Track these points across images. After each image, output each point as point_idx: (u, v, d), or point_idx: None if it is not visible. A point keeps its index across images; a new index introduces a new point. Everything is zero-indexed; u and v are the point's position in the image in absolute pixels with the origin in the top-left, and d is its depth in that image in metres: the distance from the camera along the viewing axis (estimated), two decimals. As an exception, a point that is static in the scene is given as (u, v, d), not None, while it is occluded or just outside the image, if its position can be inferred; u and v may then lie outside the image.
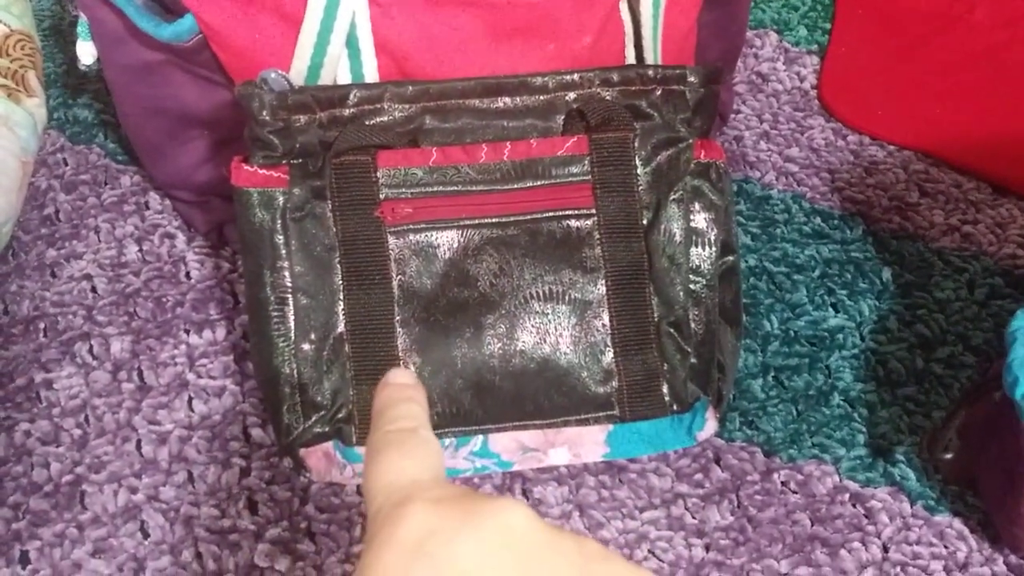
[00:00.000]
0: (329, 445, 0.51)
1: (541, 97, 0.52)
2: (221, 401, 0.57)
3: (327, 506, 0.54)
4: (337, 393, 0.50)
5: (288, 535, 0.52)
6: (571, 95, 0.52)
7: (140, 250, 0.64)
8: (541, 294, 0.51)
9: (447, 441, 0.51)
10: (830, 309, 0.64)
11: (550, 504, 0.54)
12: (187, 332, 0.60)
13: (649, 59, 0.56)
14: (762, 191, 0.71)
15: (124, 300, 0.61)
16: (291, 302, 0.50)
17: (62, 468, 0.54)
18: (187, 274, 0.63)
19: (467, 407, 0.51)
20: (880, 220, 0.69)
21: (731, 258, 0.55)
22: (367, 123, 0.50)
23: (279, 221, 0.50)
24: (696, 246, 0.53)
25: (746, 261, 0.66)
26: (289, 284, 0.50)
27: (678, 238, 0.53)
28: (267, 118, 0.48)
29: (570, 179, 0.52)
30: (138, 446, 0.55)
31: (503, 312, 0.51)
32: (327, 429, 0.50)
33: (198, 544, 0.52)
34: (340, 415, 0.50)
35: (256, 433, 0.56)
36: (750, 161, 0.72)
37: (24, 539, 0.51)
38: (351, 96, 0.49)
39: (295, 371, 0.50)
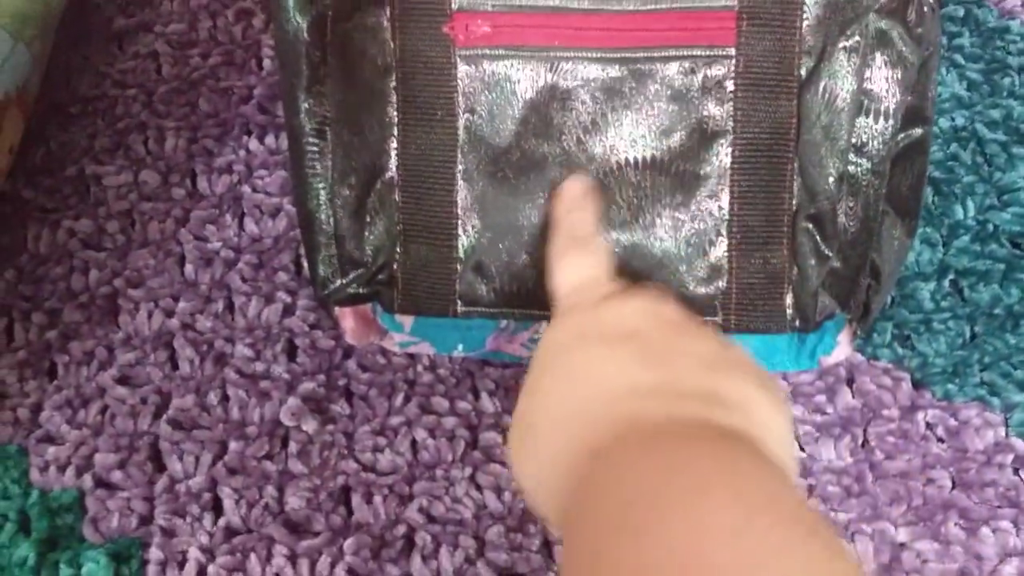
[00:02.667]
0: (367, 307, 0.43)
1: None
2: (275, 223, 0.50)
3: (371, 365, 0.47)
4: (379, 250, 0.41)
5: (323, 392, 0.46)
6: None
7: (213, 27, 0.56)
8: (640, 160, 0.39)
9: (503, 323, 0.42)
10: (1053, 201, 0.48)
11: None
12: (248, 135, 0.52)
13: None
14: (998, 20, 0.53)
15: (187, 87, 0.54)
16: (330, 136, 0.40)
17: (100, 277, 0.49)
18: (259, 63, 0.54)
19: (531, 287, 0.41)
20: None
21: (919, 131, 0.40)
22: None
23: (318, 31, 0.39)
24: (866, 115, 0.39)
25: (951, 118, 0.50)
26: (329, 113, 0.40)
27: (841, 102, 0.38)
28: None
29: (708, 4, 0.38)
30: (181, 263, 0.50)
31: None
32: (366, 290, 0.42)
33: (226, 386, 0.46)
34: (381, 276, 0.41)
35: (307, 266, 0.49)
36: (992, -25, 0.54)
37: (54, 350, 0.48)
38: None
39: (332, 219, 0.41)
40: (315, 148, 0.40)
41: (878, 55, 0.38)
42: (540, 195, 0.40)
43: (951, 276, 0.47)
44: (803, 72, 0.38)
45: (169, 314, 0.48)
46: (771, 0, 0.38)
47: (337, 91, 0.39)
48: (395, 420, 0.45)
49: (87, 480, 0.45)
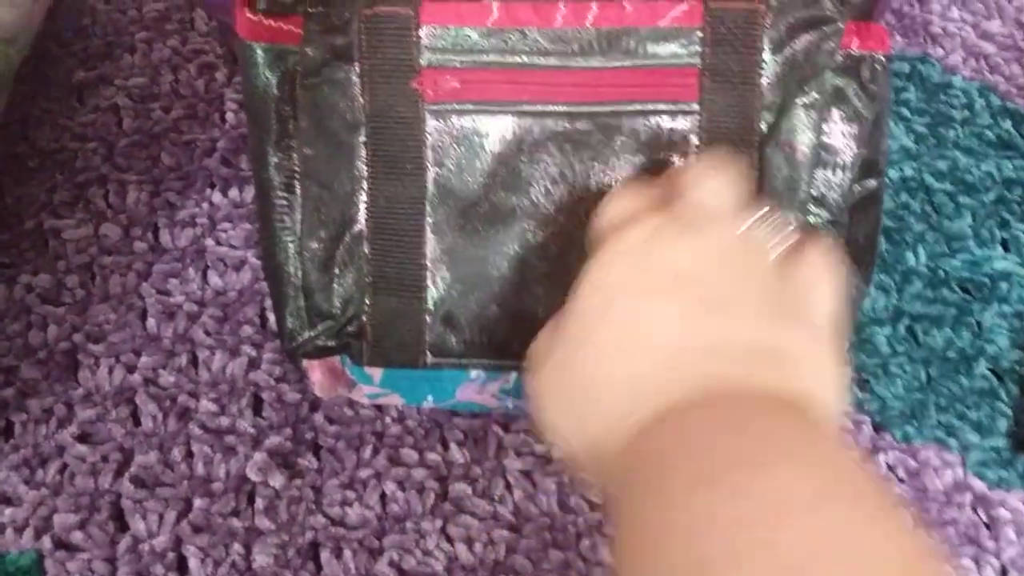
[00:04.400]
0: (336, 360, 0.43)
1: None
2: (239, 276, 0.50)
3: (339, 417, 0.46)
4: (348, 302, 0.41)
5: (290, 445, 0.46)
6: None
7: (175, 80, 0.56)
8: None
9: (474, 374, 0.42)
10: (998, 248, 0.50)
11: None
12: (212, 187, 0.52)
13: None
14: (941, 76, 0.55)
15: (149, 141, 0.54)
16: (299, 189, 0.40)
17: (59, 332, 0.48)
18: (222, 116, 0.54)
19: (501, 337, 0.41)
20: (1093, 133, 0.53)
21: (873, 182, 0.41)
22: None
23: (287, 87, 0.39)
24: (825, 168, 0.40)
25: (900, 169, 0.52)
26: (298, 167, 0.40)
27: (801, 156, 0.40)
28: None
29: (671, 61, 0.39)
30: (143, 317, 0.49)
31: (557, 229, 0.40)
32: (334, 343, 0.42)
33: (191, 442, 0.46)
34: (350, 328, 0.41)
35: (273, 319, 0.49)
36: (933, 33, 0.56)
37: (11, 408, 0.47)
38: None
39: (300, 271, 0.41)
40: (284, 202, 0.40)
41: (835, 110, 0.40)
42: (509, 246, 0.40)
43: (906, 321, 0.48)
44: (764, 127, 0.40)
45: (131, 369, 0.48)
46: (732, 58, 0.39)
47: (306, 145, 0.40)
48: (364, 473, 0.45)
49: (46, 541, 0.43)
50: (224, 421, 0.46)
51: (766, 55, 0.39)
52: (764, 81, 0.39)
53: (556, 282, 0.40)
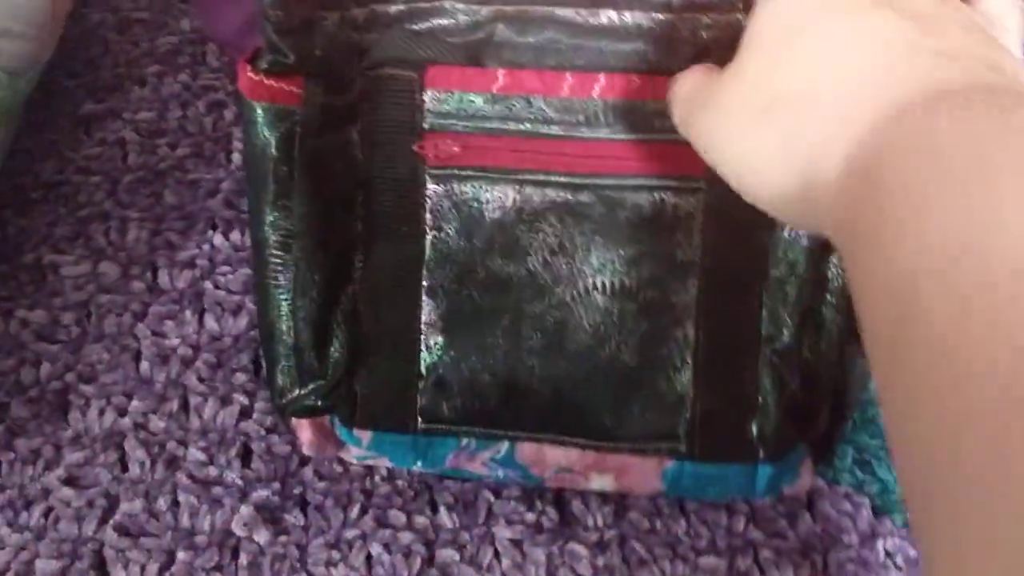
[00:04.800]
0: (325, 419, 0.42)
1: (661, 16, 0.37)
2: (236, 321, 0.49)
3: (328, 473, 0.46)
4: (339, 363, 0.40)
5: (277, 500, 0.45)
6: (705, 19, 0.37)
7: (183, 116, 0.55)
8: (607, 286, 0.39)
9: (464, 441, 0.41)
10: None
11: (588, 526, 0.44)
12: (214, 229, 0.52)
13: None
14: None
15: (153, 178, 0.53)
16: (294, 249, 0.40)
17: (52, 371, 0.48)
18: (228, 157, 0.54)
19: (493, 405, 0.40)
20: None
21: None
22: (417, 27, 0.38)
23: (287, 146, 0.39)
24: (830, 252, 0.39)
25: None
26: (293, 226, 0.39)
27: (807, 240, 0.39)
28: (278, 14, 0.36)
29: (679, 137, 0.38)
30: (136, 359, 0.48)
31: (554, 301, 0.39)
32: (324, 403, 0.41)
33: (177, 492, 0.45)
34: (340, 389, 0.41)
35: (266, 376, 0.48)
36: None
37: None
38: None
39: (293, 330, 0.40)
40: (278, 261, 0.40)
41: None
42: (505, 316, 0.39)
43: (911, 400, 0.47)
44: None
45: (121, 412, 0.47)
46: None
47: (303, 204, 0.39)
48: (350, 533, 0.44)
49: (25, 588, 0.43)
50: (212, 471, 0.46)
51: None
52: None
53: (551, 354, 0.39)
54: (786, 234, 0.38)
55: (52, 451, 0.46)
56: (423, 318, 0.40)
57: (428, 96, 0.38)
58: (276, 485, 0.45)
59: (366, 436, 0.42)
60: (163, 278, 0.50)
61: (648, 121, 0.38)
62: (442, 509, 0.45)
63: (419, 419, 0.40)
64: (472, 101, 0.38)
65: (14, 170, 0.53)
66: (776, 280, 0.39)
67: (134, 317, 0.49)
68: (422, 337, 0.40)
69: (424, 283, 0.40)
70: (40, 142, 0.55)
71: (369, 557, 0.44)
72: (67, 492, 0.45)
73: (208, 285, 0.50)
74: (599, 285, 0.39)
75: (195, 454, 0.46)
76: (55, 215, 0.52)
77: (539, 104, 0.38)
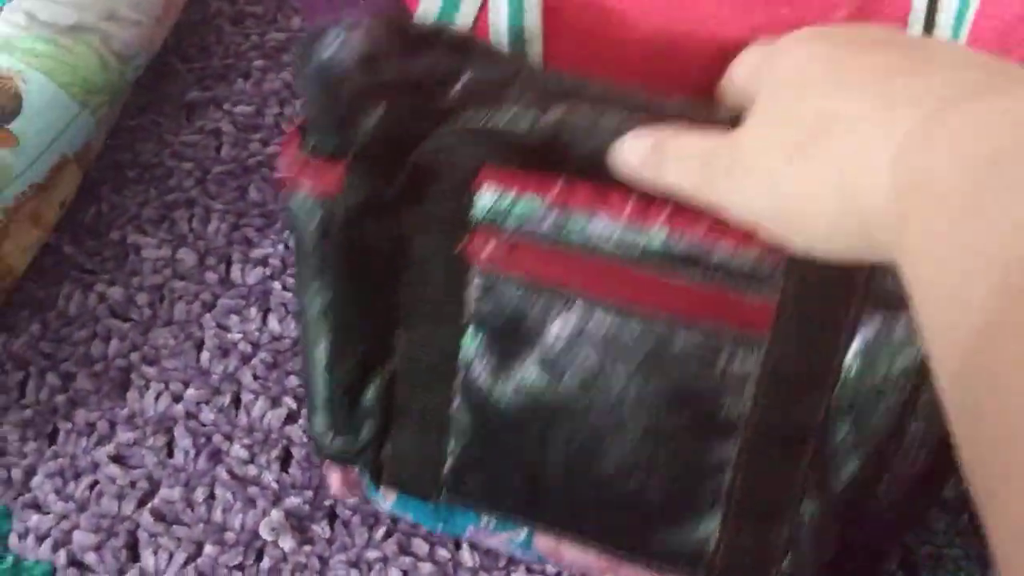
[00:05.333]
0: (355, 470, 0.42)
1: None
2: (297, 325, 0.50)
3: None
4: (370, 428, 0.39)
5: (307, 509, 0.45)
6: None
7: (280, 114, 0.56)
8: (643, 424, 0.36)
9: (485, 519, 0.40)
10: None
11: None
12: (291, 231, 0.52)
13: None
14: None
15: (241, 172, 0.54)
16: (333, 322, 0.38)
17: (119, 348, 0.50)
18: (315, 159, 0.55)
19: (515, 497, 0.39)
20: None
21: None
22: (474, 124, 0.34)
23: (327, 231, 0.36)
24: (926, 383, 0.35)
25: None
26: (334, 301, 0.37)
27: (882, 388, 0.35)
28: (323, 103, 0.33)
29: (746, 288, 0.33)
30: (199, 348, 0.50)
31: (585, 425, 0.36)
32: (355, 459, 0.41)
33: (215, 485, 0.46)
34: (368, 452, 0.40)
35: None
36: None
37: (59, 415, 0.48)
38: (461, 80, 0.33)
39: (328, 390, 0.40)
40: (318, 326, 0.38)
41: None
42: (533, 426, 0.37)
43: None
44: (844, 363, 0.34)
45: (176, 399, 0.49)
46: (819, 310, 0.33)
47: (339, 282, 0.37)
48: (372, 554, 0.44)
49: (61, 556, 0.45)
50: (251, 470, 0.47)
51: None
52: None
53: (576, 473, 0.38)
54: (855, 381, 0.34)
55: (107, 427, 0.48)
56: (454, 404, 0.38)
57: (480, 194, 0.35)
58: (309, 494, 0.46)
59: (391, 495, 0.41)
60: (235, 272, 0.52)
61: (713, 267, 0.33)
62: (465, 546, 0.44)
63: (443, 490, 0.40)
64: (525, 206, 0.34)
65: (116, 147, 0.55)
66: (832, 436, 0.36)
67: (203, 307, 0.51)
68: (451, 422, 0.38)
69: (459, 374, 0.38)
70: (144, 123, 0.57)
71: (387, 581, 0.44)
72: (113, 469, 0.47)
73: (276, 285, 0.51)
74: (634, 422, 0.36)
75: (238, 451, 0.47)
76: (146, 196, 0.54)
77: (596, 222, 0.33)
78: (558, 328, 0.35)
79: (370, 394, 0.38)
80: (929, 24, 0.38)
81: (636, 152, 0.32)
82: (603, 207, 0.33)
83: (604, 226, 0.33)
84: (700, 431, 0.35)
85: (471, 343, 0.37)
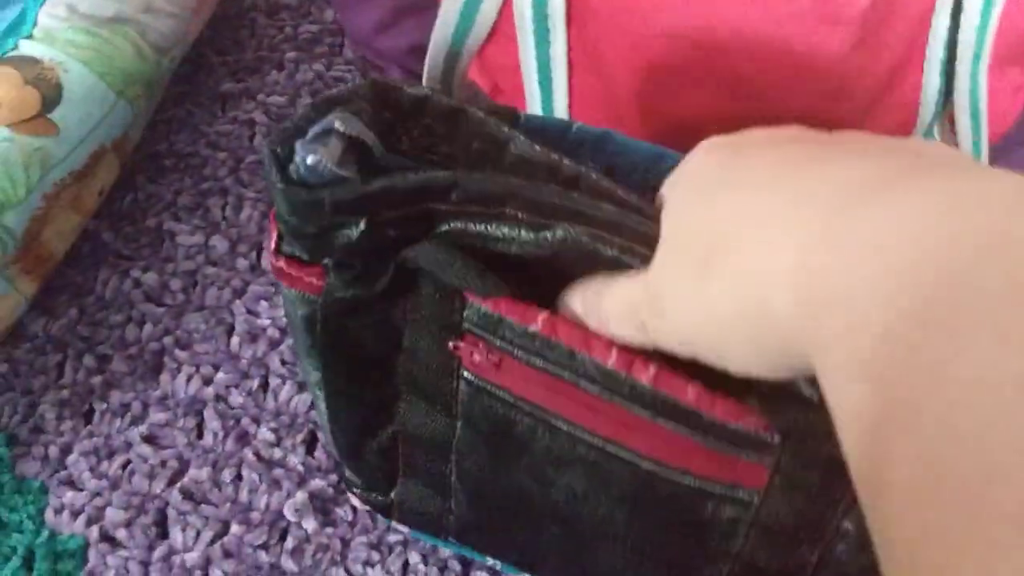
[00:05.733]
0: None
1: None
2: (324, 311, 0.51)
3: (383, 474, 0.47)
4: (377, 476, 0.40)
5: (331, 492, 0.46)
6: None
7: (312, 105, 0.57)
8: (630, 546, 0.35)
9: (491, 560, 0.42)
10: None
11: None
12: (319, 220, 0.54)
13: (965, 71, 0.37)
14: None
15: (273, 161, 0.55)
16: (329, 390, 0.37)
17: (153, 332, 0.51)
18: (345, 149, 0.56)
19: (517, 554, 0.40)
20: None
21: None
22: (461, 238, 0.31)
23: (313, 323, 0.34)
24: None
25: None
26: (327, 376, 0.36)
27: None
28: (294, 222, 0.30)
29: (736, 451, 0.31)
30: (229, 333, 0.51)
31: (574, 533, 0.36)
32: (367, 493, 0.42)
33: (242, 466, 0.48)
34: (376, 496, 0.41)
35: (345, 362, 0.50)
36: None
37: (95, 396, 0.50)
38: (453, 193, 0.30)
39: (335, 440, 0.39)
40: (315, 390, 0.38)
41: None
42: (523, 519, 0.37)
43: None
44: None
45: (207, 382, 0.50)
46: (812, 476, 0.31)
47: (338, 360, 0.35)
48: (392, 537, 0.45)
49: (94, 531, 0.46)
50: (277, 453, 0.48)
51: None
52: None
53: (565, 562, 0.38)
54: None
55: (140, 408, 0.49)
56: (454, 474, 0.38)
57: (469, 306, 0.32)
58: (333, 477, 0.47)
59: (404, 528, 0.43)
60: (265, 260, 0.53)
61: (702, 427, 0.30)
62: (483, 531, 0.45)
63: (451, 536, 0.41)
64: (513, 327, 0.31)
65: (153, 138, 0.57)
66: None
67: (234, 293, 0.52)
68: (452, 488, 0.38)
69: (454, 454, 0.37)
70: (179, 113, 0.58)
71: (406, 564, 0.45)
72: (145, 449, 0.48)
73: (305, 273, 0.52)
74: (622, 542, 0.35)
75: (265, 433, 0.48)
76: (181, 184, 0.56)
77: (582, 359, 0.31)
78: (544, 445, 0.34)
79: (374, 448, 0.38)
80: (955, 20, 0.38)
81: (579, 306, 0.30)
82: (586, 350, 0.30)
83: (592, 367, 0.30)
84: (691, 553, 0.35)
85: (463, 435, 0.36)
